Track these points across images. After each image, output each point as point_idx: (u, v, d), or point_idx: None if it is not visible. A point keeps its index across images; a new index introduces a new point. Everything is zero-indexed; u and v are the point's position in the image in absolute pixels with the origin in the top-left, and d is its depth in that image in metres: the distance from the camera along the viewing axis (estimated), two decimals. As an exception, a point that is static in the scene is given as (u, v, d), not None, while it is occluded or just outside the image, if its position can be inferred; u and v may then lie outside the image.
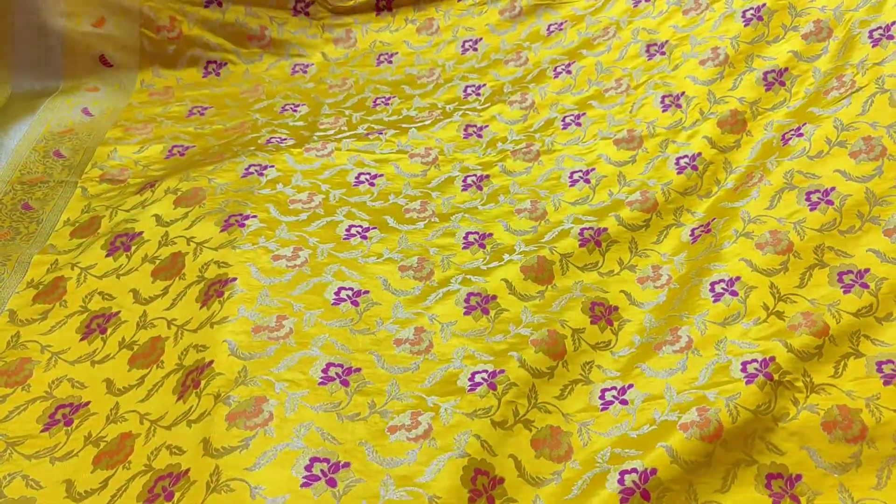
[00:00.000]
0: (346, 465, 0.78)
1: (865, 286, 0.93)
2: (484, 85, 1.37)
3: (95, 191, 1.17)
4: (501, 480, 0.80)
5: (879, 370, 0.86)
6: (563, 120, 1.28)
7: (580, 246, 1.06)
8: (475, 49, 1.44)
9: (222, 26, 1.41)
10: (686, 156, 1.16)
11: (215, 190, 1.11)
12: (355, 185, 1.17)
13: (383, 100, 1.37)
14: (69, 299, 1.00)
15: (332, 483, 0.76)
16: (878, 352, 0.88)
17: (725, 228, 1.04)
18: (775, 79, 1.20)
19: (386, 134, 1.26)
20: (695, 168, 1.14)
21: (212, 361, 0.86)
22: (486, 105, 1.33)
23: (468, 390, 0.88)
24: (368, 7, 1.48)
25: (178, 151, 1.24)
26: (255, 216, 1.05)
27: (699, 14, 1.32)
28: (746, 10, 1.27)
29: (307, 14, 1.45)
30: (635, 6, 1.38)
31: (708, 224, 1.07)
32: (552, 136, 1.26)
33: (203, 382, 0.84)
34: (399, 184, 1.18)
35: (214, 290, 0.95)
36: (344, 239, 1.06)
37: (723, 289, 0.97)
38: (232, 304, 0.93)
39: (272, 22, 1.43)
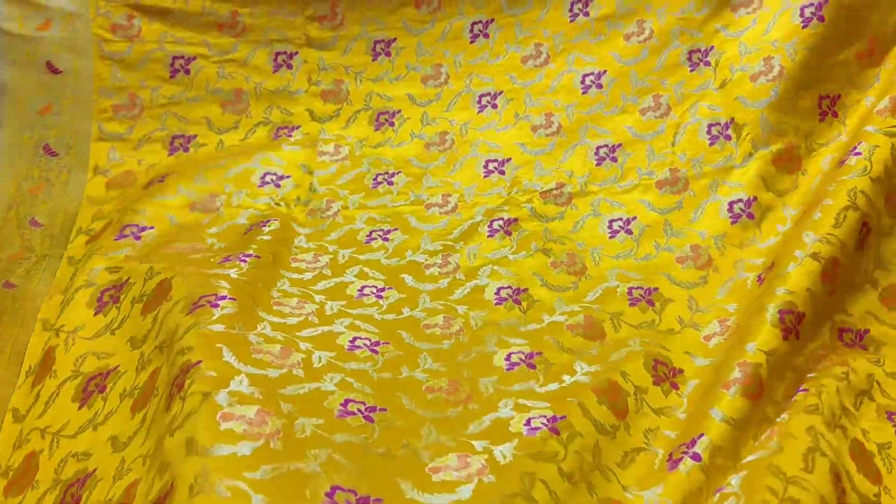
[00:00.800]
0: (378, 500, 0.62)
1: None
2: (501, 93, 1.20)
3: (82, 255, 1.04)
4: None
5: (890, 419, 0.82)
6: (597, 153, 1.13)
7: (630, 305, 0.96)
8: (486, 35, 1.22)
9: (186, 17, 1.20)
10: (740, 200, 1.03)
11: (213, 246, 1.02)
12: (367, 243, 1.06)
13: (388, 116, 1.23)
14: (58, 368, 0.89)
15: None
16: (887, 402, 0.84)
17: (789, 251, 0.90)
18: (829, 107, 1.04)
19: (397, 186, 1.15)
20: (751, 216, 1.01)
21: (199, 361, 0.71)
22: (506, 127, 1.18)
23: (525, 434, 0.71)
24: None
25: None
26: (257, 256, 0.95)
27: (750, 14, 1.10)
28: (805, 7, 1.04)
29: None
30: None
31: (773, 264, 0.93)
32: (585, 174, 1.11)
33: (187, 383, 0.69)
34: (416, 238, 1.07)
35: (207, 301, 0.84)
36: (356, 298, 0.95)
37: (791, 323, 0.83)
38: (226, 318, 0.79)
39: (244, 4, 1.23)
